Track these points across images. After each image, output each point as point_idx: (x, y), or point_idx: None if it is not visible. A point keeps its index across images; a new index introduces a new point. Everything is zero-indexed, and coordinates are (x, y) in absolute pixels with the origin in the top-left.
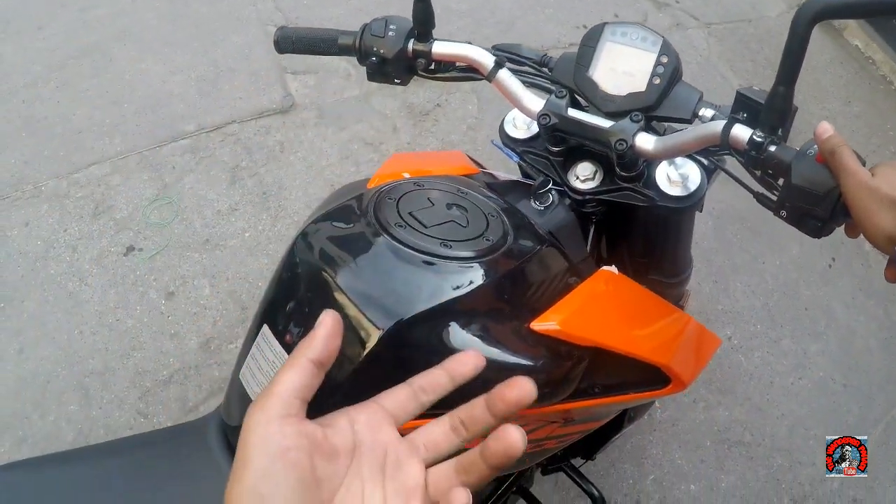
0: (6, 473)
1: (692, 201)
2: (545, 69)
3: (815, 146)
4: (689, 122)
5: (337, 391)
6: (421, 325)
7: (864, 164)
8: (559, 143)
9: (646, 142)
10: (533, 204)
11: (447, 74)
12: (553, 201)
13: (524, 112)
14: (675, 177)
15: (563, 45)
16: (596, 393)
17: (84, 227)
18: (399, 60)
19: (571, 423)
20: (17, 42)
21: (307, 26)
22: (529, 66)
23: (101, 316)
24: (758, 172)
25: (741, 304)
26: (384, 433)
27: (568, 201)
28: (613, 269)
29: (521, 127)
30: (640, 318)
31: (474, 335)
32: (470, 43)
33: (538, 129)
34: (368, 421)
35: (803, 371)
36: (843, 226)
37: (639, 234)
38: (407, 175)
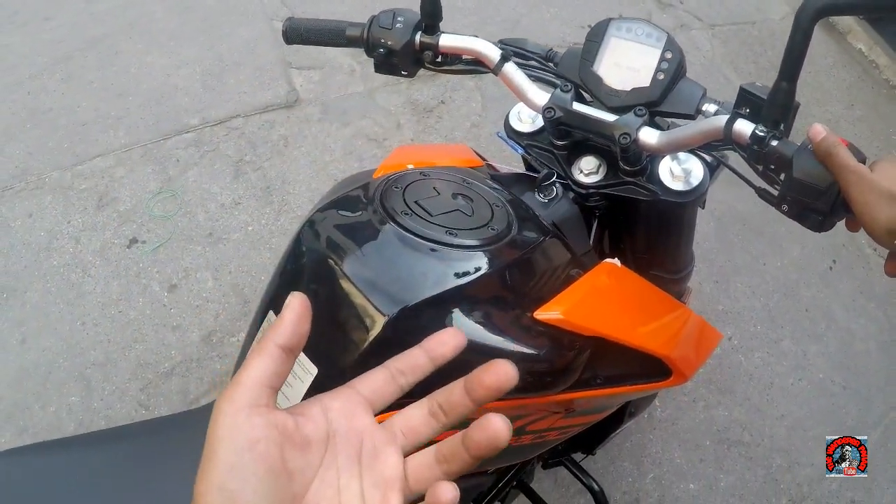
0: (9, 458)
1: (695, 196)
2: (550, 64)
3: None
4: (693, 117)
5: (343, 378)
6: (426, 311)
7: (864, 161)
8: (563, 136)
9: (649, 136)
10: (537, 196)
11: (454, 67)
12: (557, 194)
13: (529, 105)
14: (678, 171)
15: (567, 44)
16: (598, 384)
17: (87, 219)
18: (406, 52)
19: (573, 415)
20: (24, 33)
21: (315, 18)
22: (535, 60)
23: (103, 307)
24: (759, 167)
25: (742, 304)
26: (360, 420)
27: (571, 195)
28: (616, 261)
29: (526, 121)
30: (643, 310)
31: (478, 322)
32: (477, 36)
33: (543, 123)
34: (343, 408)
35: (803, 372)
36: (843, 220)
37: (641, 229)
38: (411, 166)
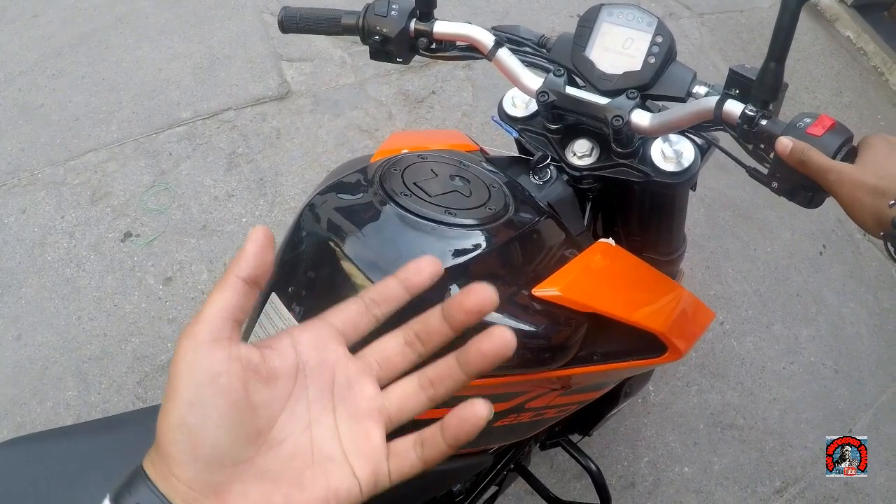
0: (11, 448)
1: (686, 177)
2: (543, 49)
3: (807, 119)
4: (684, 100)
5: None
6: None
7: (851, 139)
8: (557, 120)
9: (641, 118)
10: (532, 178)
11: (448, 53)
12: (551, 176)
13: (523, 90)
14: (670, 153)
15: (557, 33)
16: (595, 360)
17: (81, 214)
18: (401, 39)
19: (571, 392)
20: (13, 30)
21: (310, 7)
22: (528, 46)
23: (98, 302)
24: (750, 147)
25: (733, 289)
26: (332, 352)
27: (566, 177)
28: (611, 241)
29: (520, 105)
30: (638, 287)
31: None
32: (470, 23)
33: (536, 108)
34: (313, 340)
35: (794, 356)
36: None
37: (634, 211)
38: (406, 151)
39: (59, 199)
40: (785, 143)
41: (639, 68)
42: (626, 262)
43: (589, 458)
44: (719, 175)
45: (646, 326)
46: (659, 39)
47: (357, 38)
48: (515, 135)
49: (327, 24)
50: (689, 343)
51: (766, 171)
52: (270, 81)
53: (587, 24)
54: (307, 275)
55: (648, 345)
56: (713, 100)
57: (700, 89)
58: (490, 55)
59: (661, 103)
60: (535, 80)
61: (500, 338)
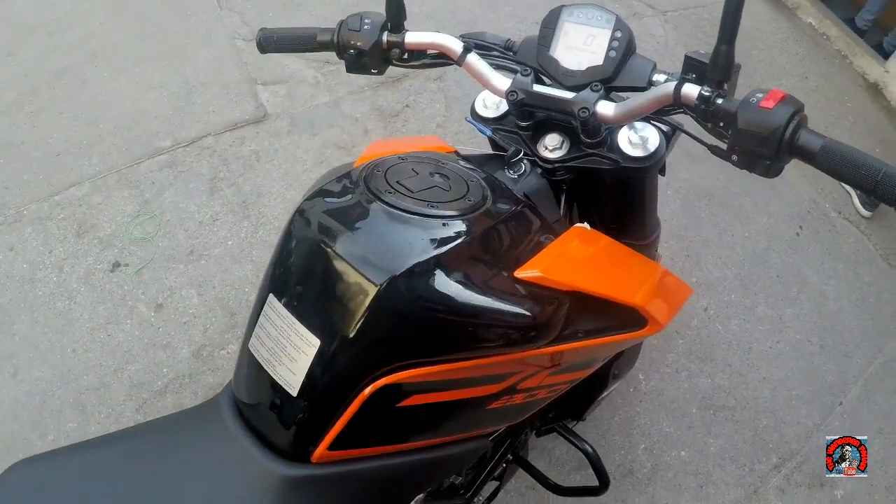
0: (26, 467)
1: (653, 161)
2: (510, 52)
3: (759, 94)
4: (646, 89)
5: (343, 347)
6: (413, 277)
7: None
8: (527, 117)
9: (606, 108)
10: (507, 173)
11: (420, 62)
12: (525, 170)
13: (493, 91)
14: (636, 139)
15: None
16: (579, 337)
17: (69, 248)
18: (375, 52)
19: (560, 371)
20: None
21: (286, 27)
22: (496, 50)
23: (92, 333)
24: (709, 125)
25: (714, 275)
26: None
27: (539, 170)
28: (586, 225)
29: (491, 107)
30: (615, 265)
31: (462, 284)
32: (439, 32)
33: (507, 109)
34: None
35: (780, 335)
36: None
37: (607, 198)
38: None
39: (46, 234)
40: None
41: (601, 63)
42: (602, 243)
43: (584, 441)
44: (692, 166)
45: (624, 301)
46: (618, 34)
47: (331, 56)
48: (489, 133)
49: (304, 42)
50: (668, 316)
51: (725, 147)
52: (247, 105)
53: (550, 25)
54: (302, 275)
55: (629, 319)
56: (672, 85)
57: (660, 77)
58: (460, 61)
59: (625, 94)
60: (504, 81)
61: None
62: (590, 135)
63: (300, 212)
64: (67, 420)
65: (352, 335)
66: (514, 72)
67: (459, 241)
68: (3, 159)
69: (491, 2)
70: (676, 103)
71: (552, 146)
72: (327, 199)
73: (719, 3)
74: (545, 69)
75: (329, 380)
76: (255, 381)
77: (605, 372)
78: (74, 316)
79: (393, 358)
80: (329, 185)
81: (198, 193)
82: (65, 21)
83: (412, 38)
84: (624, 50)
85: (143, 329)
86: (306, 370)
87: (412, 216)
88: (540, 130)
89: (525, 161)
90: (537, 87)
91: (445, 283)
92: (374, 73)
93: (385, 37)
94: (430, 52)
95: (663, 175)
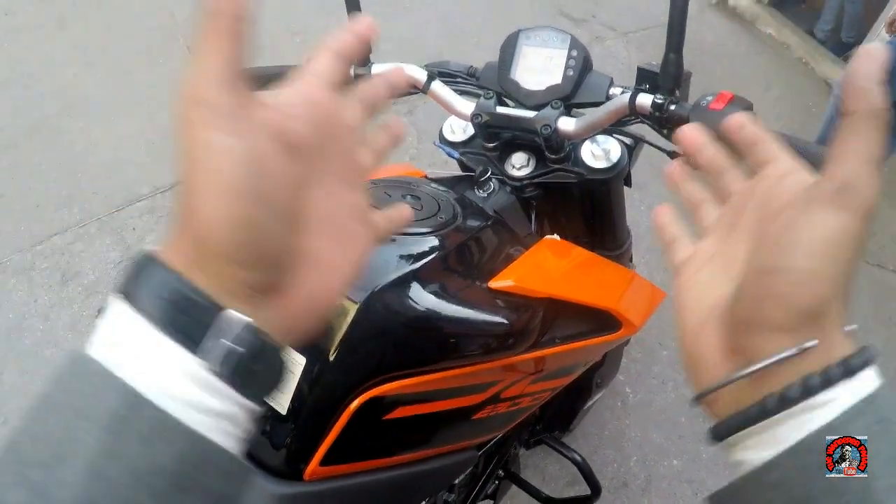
0: None
1: (616, 171)
2: (473, 78)
3: (708, 97)
4: (604, 103)
5: (328, 364)
6: (391, 292)
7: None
8: (493, 139)
9: (567, 124)
10: (477, 192)
11: None
12: (494, 188)
13: (458, 115)
14: (599, 152)
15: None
16: (556, 342)
17: (54, 296)
18: (343, 84)
19: (542, 379)
20: None
21: (258, 66)
22: (459, 77)
23: None
24: (665, 131)
25: None
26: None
27: (508, 188)
28: (556, 236)
29: (458, 131)
30: (586, 272)
31: (438, 296)
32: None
33: (473, 132)
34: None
35: None
36: None
37: (576, 211)
38: None
39: (31, 284)
40: (662, 218)
41: (560, 81)
42: (573, 253)
43: (573, 451)
44: (662, 182)
45: (598, 305)
46: (574, 53)
47: None
48: (457, 156)
49: (276, 80)
50: (643, 318)
51: (682, 153)
52: None
53: (508, 49)
54: None
55: (604, 323)
56: (626, 97)
57: (616, 91)
58: (425, 88)
59: (584, 109)
60: (468, 106)
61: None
62: (554, 150)
63: None
64: None
65: (335, 352)
66: (478, 96)
67: (433, 255)
68: None
69: (455, 34)
70: (633, 113)
71: (519, 164)
72: None
73: None
74: (507, 91)
75: (316, 396)
76: None
77: (587, 382)
78: None
79: (376, 372)
80: None
81: None
82: (38, 74)
83: (378, 69)
84: (581, 68)
85: None
86: (293, 389)
87: None
88: (506, 150)
89: (494, 179)
90: (500, 109)
91: (422, 297)
92: None
93: (352, 70)
94: None
95: (629, 186)
